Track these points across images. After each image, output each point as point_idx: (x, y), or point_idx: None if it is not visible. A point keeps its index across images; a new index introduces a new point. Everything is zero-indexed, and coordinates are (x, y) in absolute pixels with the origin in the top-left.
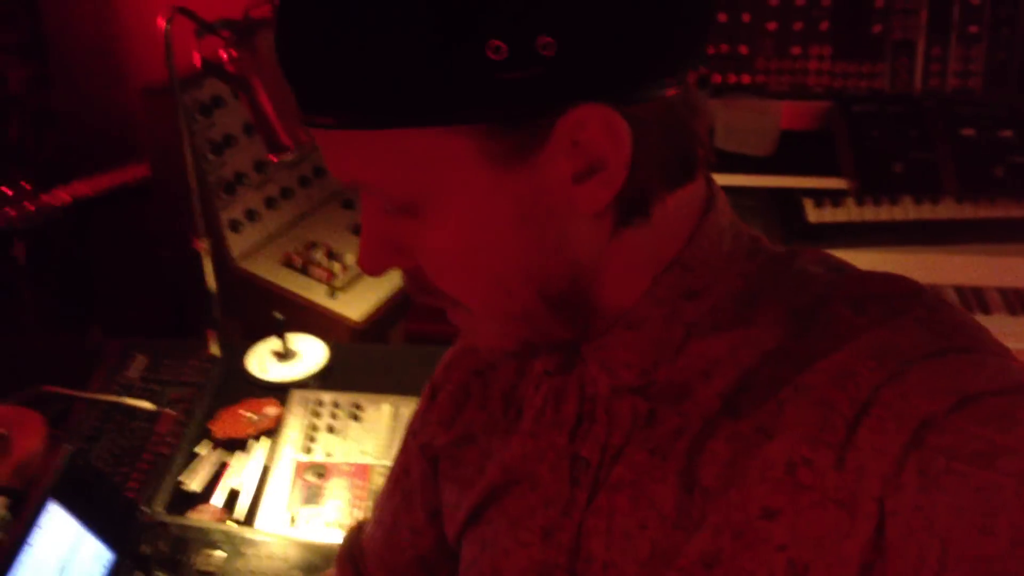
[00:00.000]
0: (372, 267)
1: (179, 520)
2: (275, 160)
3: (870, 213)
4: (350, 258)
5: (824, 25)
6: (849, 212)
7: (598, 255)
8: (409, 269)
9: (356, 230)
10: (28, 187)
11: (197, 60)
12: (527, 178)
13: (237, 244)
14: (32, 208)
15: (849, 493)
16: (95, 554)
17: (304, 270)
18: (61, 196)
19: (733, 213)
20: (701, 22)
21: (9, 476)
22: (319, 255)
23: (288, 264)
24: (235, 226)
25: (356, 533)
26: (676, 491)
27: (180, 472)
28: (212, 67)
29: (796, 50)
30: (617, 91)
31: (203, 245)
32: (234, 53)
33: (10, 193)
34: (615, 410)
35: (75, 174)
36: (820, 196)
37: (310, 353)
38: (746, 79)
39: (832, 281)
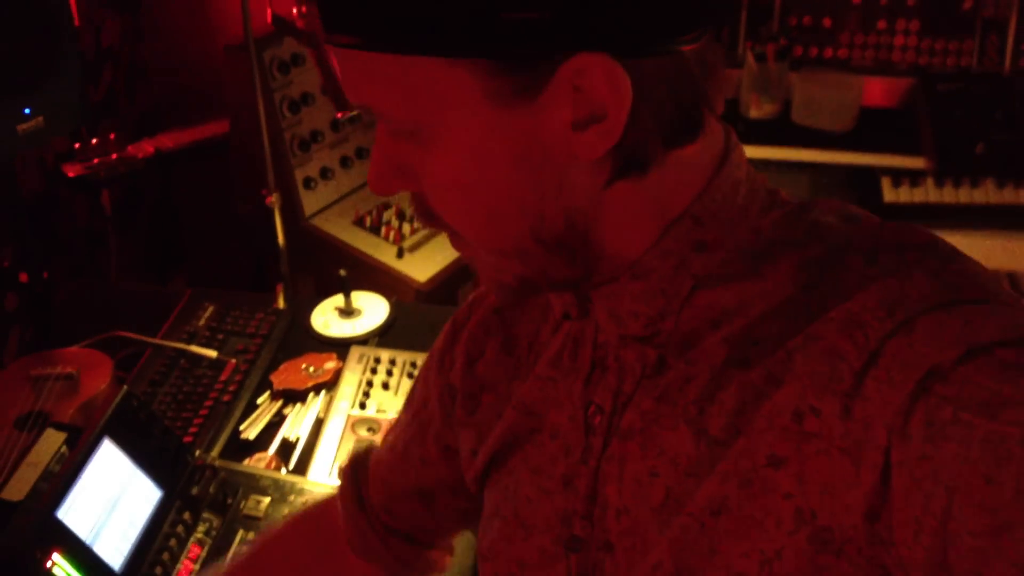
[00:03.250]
0: (379, 186)
1: (229, 465)
2: (340, 116)
3: (949, 195)
4: None
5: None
6: (927, 193)
7: (595, 202)
8: (416, 193)
9: None
10: (113, 137)
11: (269, 16)
12: (527, 119)
13: (310, 201)
14: (115, 157)
15: (855, 442)
16: (145, 491)
17: (374, 230)
18: (144, 147)
19: (749, 166)
20: None
21: (74, 414)
22: (390, 215)
23: (359, 223)
24: (309, 183)
25: (364, 455)
26: (686, 439)
27: (239, 420)
28: (284, 23)
29: (882, 24)
30: (622, 42)
31: (273, 200)
32: (304, 9)
33: (96, 143)
34: (624, 358)
35: (162, 127)
36: (898, 175)
37: (373, 311)
38: (828, 52)
39: (846, 232)
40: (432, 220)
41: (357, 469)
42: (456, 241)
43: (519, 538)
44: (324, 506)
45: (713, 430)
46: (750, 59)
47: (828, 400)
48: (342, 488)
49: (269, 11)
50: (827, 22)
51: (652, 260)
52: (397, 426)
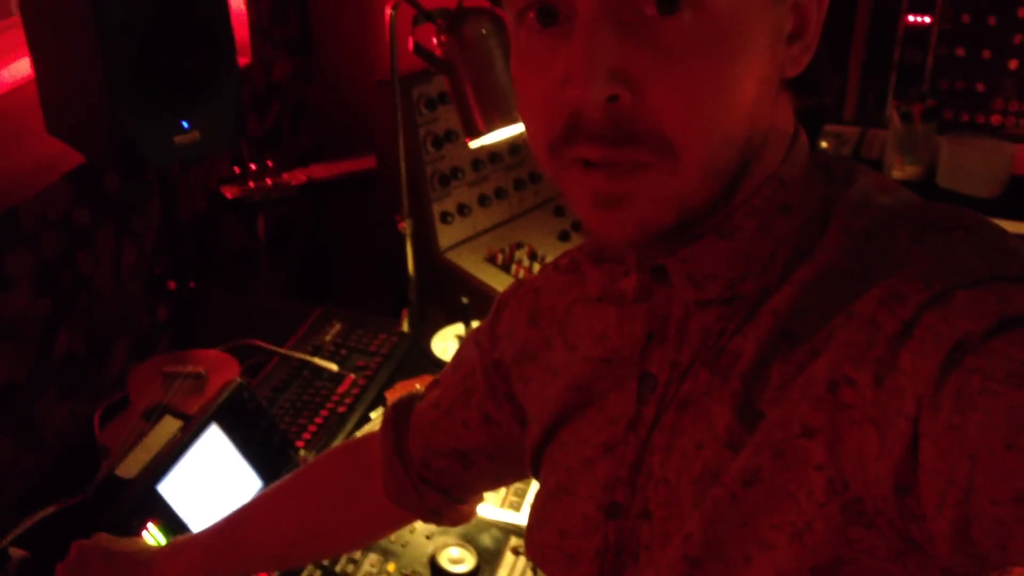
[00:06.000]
0: (595, 88)
1: None
2: (469, 142)
3: None
4: None
5: None
6: None
7: (766, 128)
8: (621, 105)
9: (563, 237)
10: (271, 164)
11: (411, 45)
12: (776, 17)
13: (446, 235)
14: (270, 183)
15: (885, 412)
16: (246, 479)
17: (505, 267)
18: (298, 176)
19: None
20: None
21: (198, 410)
22: (522, 255)
23: (491, 260)
24: (446, 218)
25: (407, 405)
26: (730, 412)
27: (351, 431)
28: (423, 52)
29: None
30: None
31: (405, 227)
32: (443, 39)
33: (254, 168)
34: (687, 328)
35: (318, 159)
36: None
37: None
38: (980, 118)
39: (894, 207)
40: (623, 142)
41: (399, 419)
42: (618, 177)
43: (563, 506)
44: (362, 444)
45: (754, 402)
46: (896, 119)
47: (862, 369)
48: (383, 435)
49: (411, 40)
50: (980, 87)
51: (739, 218)
52: (440, 385)
